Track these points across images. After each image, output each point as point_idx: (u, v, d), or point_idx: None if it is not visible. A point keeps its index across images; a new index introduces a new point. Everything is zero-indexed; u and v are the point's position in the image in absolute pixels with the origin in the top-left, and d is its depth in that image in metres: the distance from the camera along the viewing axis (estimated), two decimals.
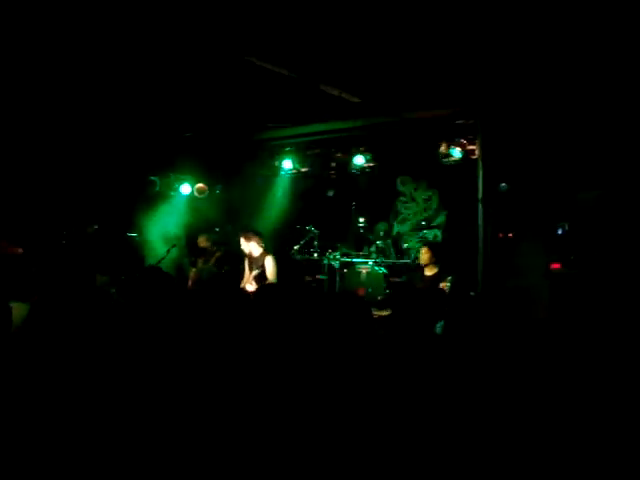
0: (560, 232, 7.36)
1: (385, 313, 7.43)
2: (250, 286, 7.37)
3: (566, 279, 6.15)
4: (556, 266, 6.54)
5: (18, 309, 3.66)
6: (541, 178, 7.47)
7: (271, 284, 6.99)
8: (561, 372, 2.64)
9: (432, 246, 8.03)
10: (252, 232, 7.79)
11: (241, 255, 7.97)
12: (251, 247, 7.66)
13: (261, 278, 7.37)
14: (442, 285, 7.39)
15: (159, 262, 7.68)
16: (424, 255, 7.83)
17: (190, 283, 8.92)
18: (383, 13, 5.60)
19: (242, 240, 7.74)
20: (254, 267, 7.59)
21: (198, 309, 2.94)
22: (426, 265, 7.83)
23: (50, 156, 8.65)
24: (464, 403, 2.48)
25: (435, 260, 7.72)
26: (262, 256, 7.59)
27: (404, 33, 5.97)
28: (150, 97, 7.97)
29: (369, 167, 10.49)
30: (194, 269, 9.25)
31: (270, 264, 7.44)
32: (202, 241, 9.84)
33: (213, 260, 9.13)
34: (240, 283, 7.76)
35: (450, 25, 5.72)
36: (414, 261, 9.18)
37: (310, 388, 2.38)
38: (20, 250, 7.36)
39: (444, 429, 2.35)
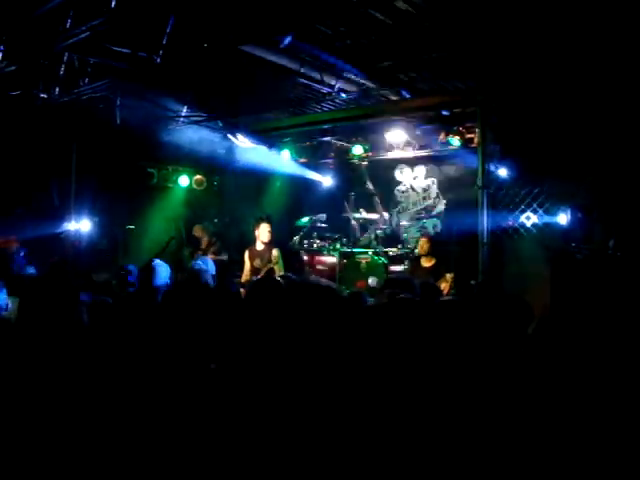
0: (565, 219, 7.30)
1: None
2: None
3: (568, 266, 6.12)
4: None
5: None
6: (542, 164, 7.42)
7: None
8: (562, 365, 2.59)
9: (431, 238, 8.12)
10: (267, 219, 7.54)
11: (238, 246, 7.88)
12: (262, 235, 7.48)
13: (271, 273, 7.24)
14: (444, 283, 7.43)
15: (158, 254, 7.62)
16: (423, 246, 7.92)
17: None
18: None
19: (263, 225, 7.46)
20: (258, 260, 7.47)
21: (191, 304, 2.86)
22: (424, 256, 7.89)
23: (46, 147, 8.60)
24: (465, 397, 2.45)
25: (433, 251, 7.82)
26: (268, 249, 7.46)
27: (405, 21, 5.91)
28: (146, 87, 7.90)
29: (367, 157, 10.47)
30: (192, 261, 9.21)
31: (277, 259, 7.35)
32: (197, 230, 9.91)
33: (210, 252, 9.11)
34: (241, 276, 7.67)
35: (451, 13, 5.66)
36: (413, 251, 9.17)
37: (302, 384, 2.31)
38: (15, 243, 7.34)
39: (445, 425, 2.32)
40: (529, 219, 7.55)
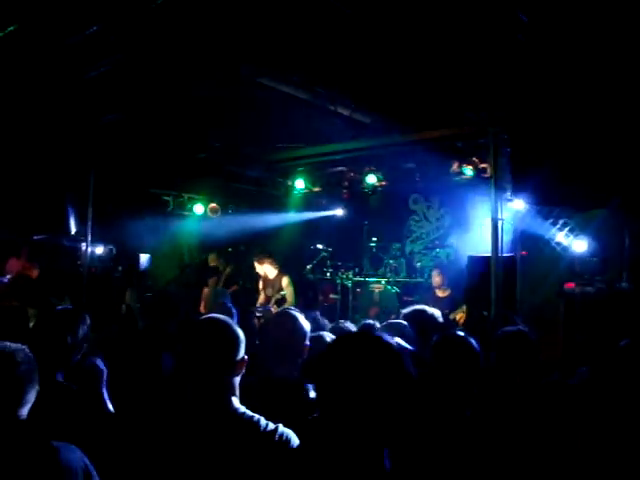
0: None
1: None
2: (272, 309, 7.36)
3: (581, 298, 6.07)
4: (570, 285, 6.46)
5: None
6: (554, 194, 7.41)
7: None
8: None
9: (443, 269, 8.06)
10: (264, 255, 7.73)
11: (252, 274, 7.96)
12: (265, 269, 7.63)
13: (282, 301, 7.33)
14: (460, 314, 7.41)
15: (170, 282, 7.69)
16: (435, 278, 7.90)
17: (203, 304, 8.93)
18: (397, 33, 5.63)
19: (256, 264, 7.71)
20: (270, 289, 7.55)
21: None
22: (438, 287, 7.87)
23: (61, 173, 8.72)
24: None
25: (448, 282, 7.78)
26: (278, 277, 7.54)
27: (416, 52, 5.98)
28: (163, 117, 8.02)
29: (381, 186, 10.52)
30: (206, 289, 9.25)
31: (287, 285, 7.40)
32: (212, 260, 9.90)
33: (224, 279, 9.13)
34: (255, 303, 7.73)
35: (462, 44, 5.72)
36: (427, 280, 9.15)
37: None
38: (35, 271, 7.42)
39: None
40: (545, 248, 7.52)
